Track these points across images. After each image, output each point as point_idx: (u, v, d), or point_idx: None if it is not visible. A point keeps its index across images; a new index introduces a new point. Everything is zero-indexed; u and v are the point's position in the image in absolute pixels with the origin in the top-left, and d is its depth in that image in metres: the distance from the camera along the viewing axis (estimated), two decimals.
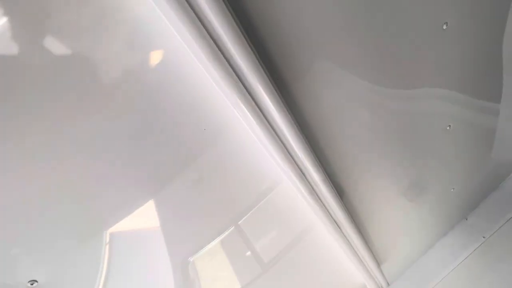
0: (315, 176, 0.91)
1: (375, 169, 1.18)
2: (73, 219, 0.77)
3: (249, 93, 0.72)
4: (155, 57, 0.68)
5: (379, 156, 1.16)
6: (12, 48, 0.55)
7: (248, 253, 1.16)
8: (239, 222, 1.06)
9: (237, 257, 1.15)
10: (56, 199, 0.72)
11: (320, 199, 0.98)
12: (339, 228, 1.10)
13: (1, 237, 0.65)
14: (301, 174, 0.89)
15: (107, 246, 0.84)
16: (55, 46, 0.58)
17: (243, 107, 0.72)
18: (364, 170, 1.14)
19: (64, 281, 0.74)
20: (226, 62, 0.66)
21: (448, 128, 1.24)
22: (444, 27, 0.97)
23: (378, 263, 1.37)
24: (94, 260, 0.85)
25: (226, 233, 1.02)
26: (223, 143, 0.86)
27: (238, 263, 1.16)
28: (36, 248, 0.66)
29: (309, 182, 0.92)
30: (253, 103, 0.73)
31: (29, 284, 0.64)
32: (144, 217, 0.89)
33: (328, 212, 1.03)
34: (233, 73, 0.69)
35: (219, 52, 0.65)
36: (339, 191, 1.06)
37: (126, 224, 0.86)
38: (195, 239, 1.03)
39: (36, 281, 0.65)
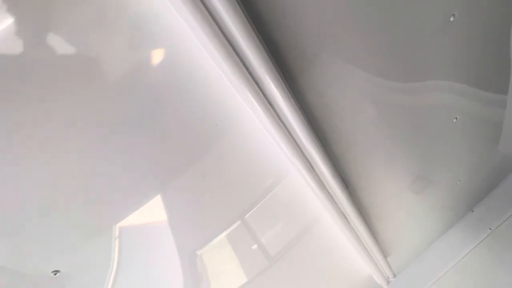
0: (323, 168, 0.93)
1: (382, 162, 1.19)
2: (85, 213, 0.79)
3: (257, 84, 0.73)
4: (163, 50, 0.69)
5: (386, 149, 1.17)
6: (17, 46, 0.56)
7: (256, 245, 1.18)
8: (247, 215, 1.08)
9: (245, 249, 1.17)
10: (69, 194, 0.75)
11: (328, 191, 1.00)
12: (347, 220, 1.12)
13: (22, 230, 0.67)
14: (309, 166, 0.90)
15: (117, 240, 0.86)
16: (60, 43, 0.60)
17: (252, 98, 0.74)
18: (371, 163, 1.15)
19: (84, 269, 0.77)
20: (234, 53, 0.67)
21: (454, 120, 1.25)
22: (451, 18, 0.97)
23: (384, 255, 1.39)
24: (106, 252, 0.87)
25: (234, 226, 1.04)
26: (232, 136, 0.88)
27: (245, 256, 1.18)
28: (56, 241, 0.69)
29: (317, 174, 0.94)
30: (261, 95, 0.75)
31: (52, 274, 0.67)
32: (153, 211, 0.91)
33: (336, 204, 1.05)
34: (241, 63, 0.70)
35: (227, 43, 0.66)
36: (346, 183, 1.08)
37: (135, 218, 0.88)
38: (202, 233, 1.05)
39: (58, 271, 0.68)
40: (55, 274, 0.68)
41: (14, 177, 0.64)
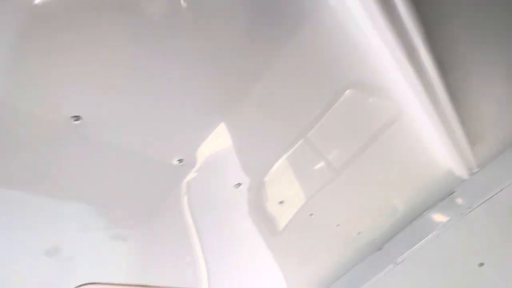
0: (421, 47, 0.83)
1: (483, 45, 1.03)
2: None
3: None
4: None
5: (490, 32, 0.99)
6: None
7: (333, 144, 1.17)
8: (329, 111, 1.04)
9: (326, 145, 1.17)
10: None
11: (423, 73, 0.91)
12: (437, 103, 1.03)
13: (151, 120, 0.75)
14: (402, 32, 0.80)
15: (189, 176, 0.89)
16: None
17: None
18: (471, 47, 1.00)
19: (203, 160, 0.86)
20: None
21: None
22: None
23: (471, 143, 1.31)
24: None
25: (322, 120, 1.03)
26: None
27: (328, 151, 1.19)
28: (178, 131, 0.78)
29: (414, 54, 0.85)
30: None
31: (177, 163, 0.78)
32: (223, 139, 0.92)
33: (428, 86, 0.97)
34: None
35: None
36: (442, 67, 0.97)
37: (206, 147, 0.91)
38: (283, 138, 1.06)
39: (182, 159, 0.78)
40: (180, 162, 0.78)
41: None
